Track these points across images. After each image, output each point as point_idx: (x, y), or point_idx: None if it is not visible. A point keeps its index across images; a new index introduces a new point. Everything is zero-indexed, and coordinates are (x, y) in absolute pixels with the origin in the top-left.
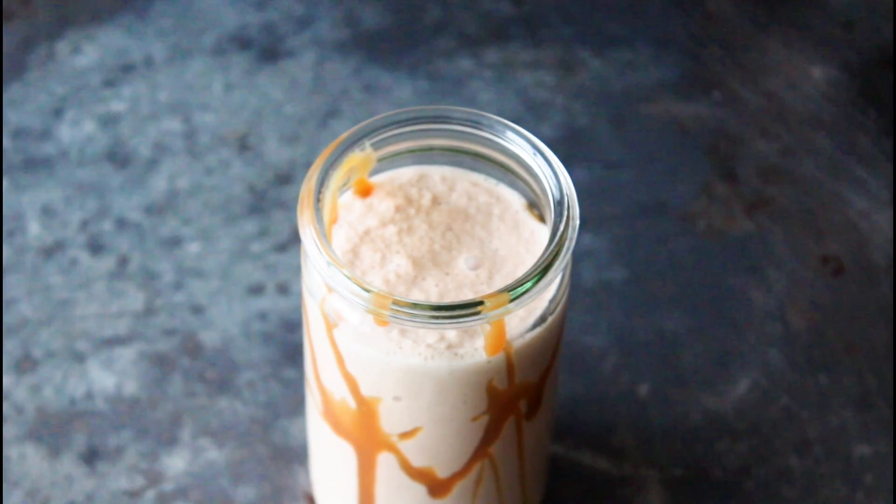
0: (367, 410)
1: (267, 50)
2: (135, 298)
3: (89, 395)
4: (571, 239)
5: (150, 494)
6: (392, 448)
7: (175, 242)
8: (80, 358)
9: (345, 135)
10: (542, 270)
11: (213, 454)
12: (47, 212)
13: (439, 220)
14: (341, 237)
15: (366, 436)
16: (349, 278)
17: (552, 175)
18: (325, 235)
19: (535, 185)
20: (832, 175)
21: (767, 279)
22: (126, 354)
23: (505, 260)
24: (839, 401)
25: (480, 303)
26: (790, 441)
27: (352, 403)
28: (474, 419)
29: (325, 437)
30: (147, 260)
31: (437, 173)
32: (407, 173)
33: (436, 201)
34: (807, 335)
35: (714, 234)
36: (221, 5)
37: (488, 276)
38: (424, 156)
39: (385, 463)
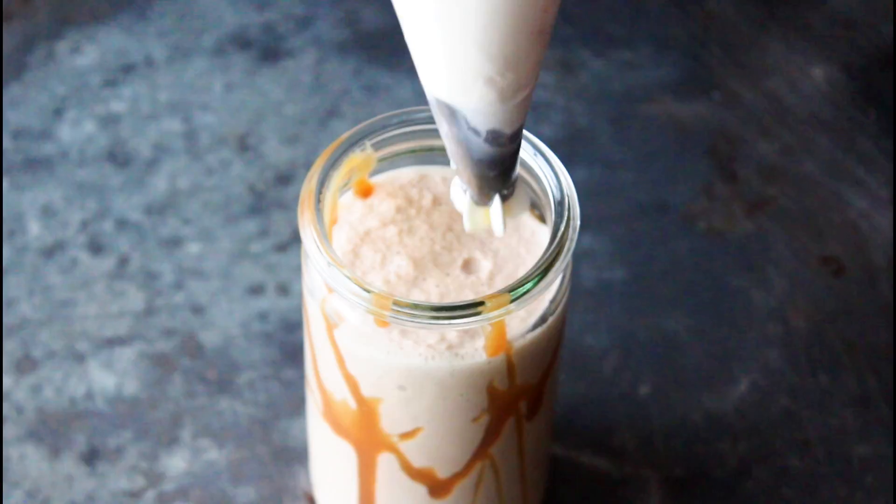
0: (367, 411)
1: (267, 50)
2: (135, 298)
3: (89, 396)
4: (572, 239)
5: (151, 495)
6: (392, 448)
7: (175, 242)
8: (80, 358)
9: (345, 135)
10: (542, 271)
11: (214, 454)
12: (47, 212)
13: (440, 221)
14: (342, 238)
15: (366, 436)
16: (350, 279)
17: (552, 175)
18: (325, 236)
19: (535, 186)
20: (832, 175)
21: (767, 279)
22: (126, 354)
23: (506, 260)
24: (839, 401)
25: (481, 303)
26: (790, 441)
27: (352, 404)
28: (475, 420)
29: (326, 438)
30: (147, 260)
31: (438, 174)
32: (407, 174)
33: (436, 202)
34: (807, 335)
35: (714, 234)
36: (221, 5)
37: (489, 277)
38: (425, 156)
39: (385, 463)
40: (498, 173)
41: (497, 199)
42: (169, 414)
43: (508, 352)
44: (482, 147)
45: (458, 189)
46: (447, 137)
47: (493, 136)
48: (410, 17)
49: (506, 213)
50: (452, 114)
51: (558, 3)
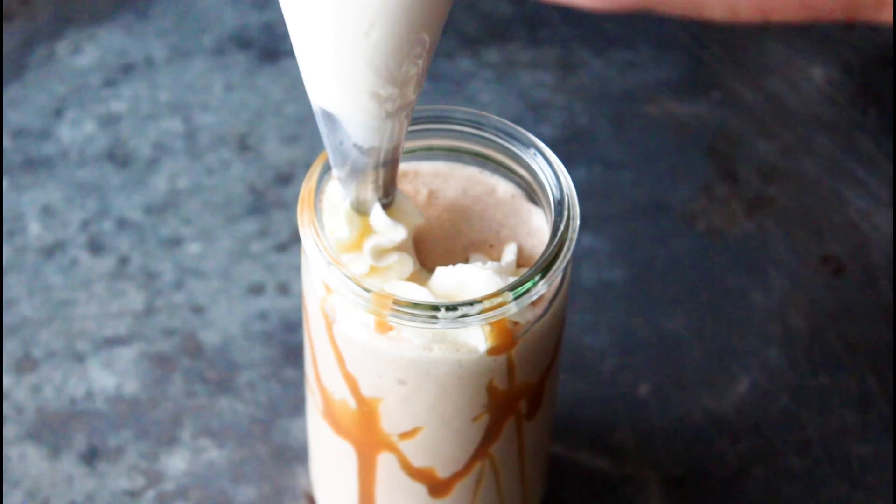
0: (367, 410)
1: (267, 50)
2: (135, 298)
3: (89, 395)
4: (572, 239)
5: (151, 494)
6: (392, 448)
7: (175, 242)
8: (80, 358)
9: None
10: (542, 270)
11: (214, 454)
12: (47, 212)
13: (435, 214)
14: None
15: (366, 436)
16: (349, 278)
17: (552, 175)
18: (325, 235)
19: (535, 185)
20: (832, 175)
21: (767, 279)
22: (126, 354)
23: (508, 240)
24: (839, 401)
25: (481, 302)
26: (790, 441)
27: (352, 403)
28: (475, 419)
29: (326, 437)
30: (147, 260)
31: (429, 168)
32: (402, 170)
33: (432, 196)
34: (807, 335)
35: (714, 234)
36: (221, 5)
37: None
38: (421, 154)
39: (385, 463)
40: (376, 184)
41: (377, 207)
42: (169, 414)
43: (508, 351)
44: (361, 159)
45: (339, 198)
46: (329, 146)
47: (373, 150)
48: (304, 33)
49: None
50: (335, 124)
51: (439, 24)
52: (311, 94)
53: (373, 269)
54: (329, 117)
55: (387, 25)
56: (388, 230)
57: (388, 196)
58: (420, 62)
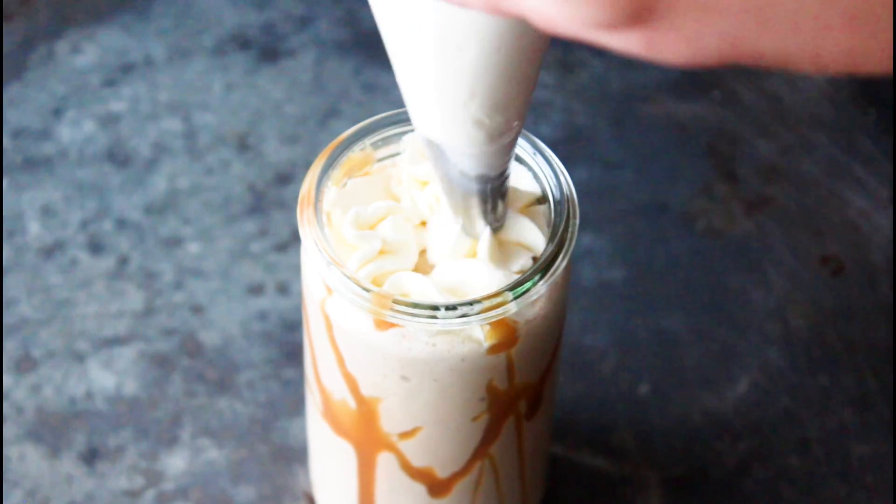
0: (367, 410)
1: (267, 50)
2: (135, 298)
3: (89, 395)
4: (572, 239)
5: (150, 494)
6: (392, 448)
7: (175, 242)
8: (80, 358)
9: (344, 135)
10: (542, 270)
11: (213, 454)
12: (47, 212)
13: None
14: None
15: (366, 436)
16: (349, 278)
17: (552, 175)
18: (325, 235)
19: (534, 184)
20: (832, 175)
21: (767, 279)
22: (126, 354)
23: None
24: (839, 401)
25: (480, 302)
26: (790, 441)
27: (352, 403)
28: (474, 419)
29: (325, 437)
30: (147, 260)
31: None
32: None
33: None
34: (807, 335)
35: (714, 234)
36: (221, 5)
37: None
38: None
39: (385, 463)
40: (484, 208)
41: (487, 231)
42: (169, 414)
43: (508, 349)
44: (469, 185)
45: (447, 221)
46: (436, 173)
47: (480, 177)
48: (406, 65)
49: (496, 244)
50: (441, 153)
51: (542, 56)
52: (415, 124)
53: (382, 252)
54: (435, 146)
55: (487, 89)
56: (493, 271)
57: (499, 221)
58: (523, 97)
